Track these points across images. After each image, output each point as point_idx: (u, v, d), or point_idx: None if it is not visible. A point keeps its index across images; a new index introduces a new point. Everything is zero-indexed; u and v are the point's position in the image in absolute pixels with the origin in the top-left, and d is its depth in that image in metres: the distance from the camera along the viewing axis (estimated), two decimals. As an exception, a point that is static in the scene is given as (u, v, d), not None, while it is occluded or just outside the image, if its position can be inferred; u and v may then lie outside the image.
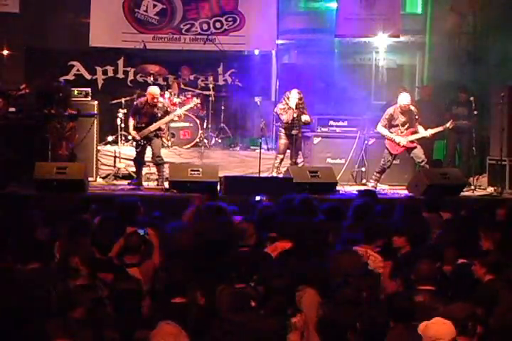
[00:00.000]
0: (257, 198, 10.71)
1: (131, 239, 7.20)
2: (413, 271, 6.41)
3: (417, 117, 13.30)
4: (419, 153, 13.32)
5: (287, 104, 13.28)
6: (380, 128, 13.37)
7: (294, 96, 13.25)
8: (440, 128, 13.51)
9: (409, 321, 5.58)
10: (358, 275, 6.50)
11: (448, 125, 13.42)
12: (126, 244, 7.18)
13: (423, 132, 13.28)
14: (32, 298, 5.66)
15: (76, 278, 5.93)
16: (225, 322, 5.36)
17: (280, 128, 13.57)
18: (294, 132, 13.32)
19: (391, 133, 13.25)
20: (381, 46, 17.54)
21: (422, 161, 13.31)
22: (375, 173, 13.57)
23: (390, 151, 13.39)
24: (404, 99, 13.21)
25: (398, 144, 13.23)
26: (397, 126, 13.24)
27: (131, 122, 13.02)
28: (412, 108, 13.32)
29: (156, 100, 12.95)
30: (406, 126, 13.24)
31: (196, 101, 14.30)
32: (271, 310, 5.78)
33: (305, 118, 13.45)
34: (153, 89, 13.07)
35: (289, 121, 13.26)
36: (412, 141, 13.25)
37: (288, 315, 5.77)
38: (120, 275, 6.41)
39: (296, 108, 13.19)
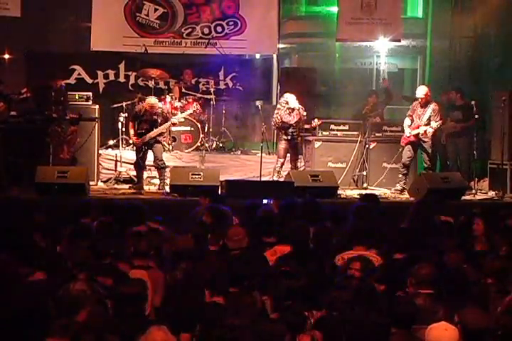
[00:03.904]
0: (264, 201, 10.76)
1: (140, 243, 7.20)
2: (412, 275, 6.42)
3: (433, 114, 13.26)
4: (425, 157, 13.42)
5: (289, 108, 13.29)
6: (406, 119, 13.57)
7: (292, 99, 13.30)
8: (427, 128, 13.50)
9: (411, 326, 5.59)
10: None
11: (436, 125, 13.39)
12: (135, 248, 7.19)
13: (421, 128, 13.30)
14: (32, 302, 5.67)
15: (75, 282, 5.92)
16: (228, 327, 5.35)
17: (280, 133, 13.59)
18: (294, 136, 13.37)
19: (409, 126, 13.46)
20: (382, 50, 17.58)
21: (427, 166, 13.43)
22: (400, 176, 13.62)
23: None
24: (419, 91, 13.48)
25: (406, 136, 13.43)
26: (416, 119, 13.38)
27: (131, 129, 13.02)
28: (431, 104, 13.33)
29: (154, 109, 12.94)
30: (421, 120, 13.29)
31: (196, 106, 14.33)
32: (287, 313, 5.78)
33: (314, 122, 13.57)
34: (152, 101, 13.07)
35: (295, 123, 13.28)
36: (415, 135, 13.31)
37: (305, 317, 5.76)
38: (121, 279, 6.41)
39: (300, 111, 13.25)
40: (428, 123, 13.21)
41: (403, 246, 7.61)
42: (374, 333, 5.44)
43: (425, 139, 13.33)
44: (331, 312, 5.82)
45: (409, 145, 13.45)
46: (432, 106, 13.33)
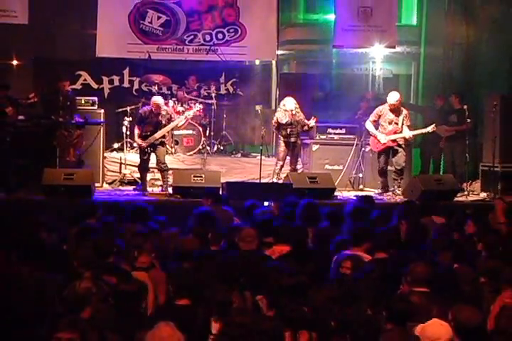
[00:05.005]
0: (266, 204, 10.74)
1: (144, 244, 7.16)
2: (408, 273, 6.40)
3: (406, 119, 13.22)
4: (400, 159, 13.28)
5: (285, 110, 13.29)
6: (367, 124, 13.38)
7: (289, 101, 13.29)
8: (420, 131, 13.48)
9: (406, 323, 5.57)
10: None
11: (429, 129, 13.37)
12: (139, 248, 7.16)
13: (404, 133, 13.22)
14: (39, 300, 5.66)
15: (81, 280, 5.91)
16: (230, 325, 5.32)
17: (280, 136, 13.58)
18: (292, 140, 13.33)
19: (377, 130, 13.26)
20: (378, 56, 17.56)
21: (400, 168, 13.30)
22: (380, 182, 13.52)
23: (371, 148, 13.47)
24: (392, 97, 13.18)
25: (379, 141, 13.23)
26: (384, 123, 13.20)
27: (137, 131, 13.03)
28: (404, 110, 13.29)
29: (160, 109, 12.95)
30: (392, 125, 13.20)
31: (199, 106, 14.32)
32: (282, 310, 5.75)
33: (311, 123, 13.42)
34: (157, 99, 13.07)
35: (289, 123, 13.23)
36: (393, 140, 13.18)
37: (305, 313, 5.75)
38: (123, 278, 6.40)
39: (293, 112, 13.21)
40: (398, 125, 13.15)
41: (386, 246, 7.58)
42: (361, 330, 5.45)
43: (401, 142, 13.26)
44: (314, 310, 5.81)
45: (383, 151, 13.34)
46: (404, 110, 13.29)
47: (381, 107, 13.35)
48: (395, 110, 13.16)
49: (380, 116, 13.24)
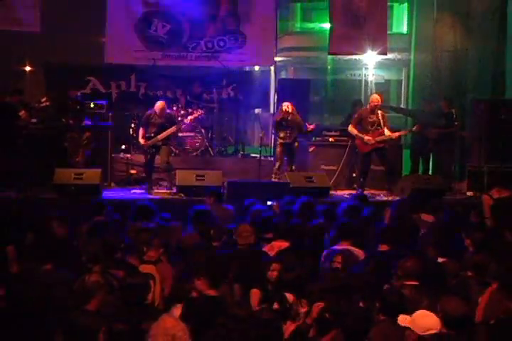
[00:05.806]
0: (269, 203, 10.74)
1: (153, 239, 7.16)
2: (399, 267, 6.40)
3: (384, 121, 13.19)
4: (386, 161, 13.27)
5: (281, 111, 13.32)
6: (350, 128, 13.29)
7: (286, 104, 13.32)
8: (404, 132, 13.48)
9: (398, 315, 5.56)
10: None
11: (414, 129, 13.35)
12: (148, 243, 7.15)
13: (390, 134, 13.18)
14: (49, 295, 5.65)
15: (90, 274, 5.91)
16: (229, 318, 5.31)
17: (278, 138, 13.60)
18: (288, 141, 13.33)
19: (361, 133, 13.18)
20: (370, 63, 17.58)
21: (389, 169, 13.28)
22: (359, 180, 13.50)
23: (359, 150, 13.38)
24: (373, 98, 13.16)
25: (366, 143, 13.17)
26: (367, 126, 13.14)
27: (141, 132, 12.99)
28: (381, 112, 13.21)
29: (163, 112, 12.93)
30: (375, 126, 13.14)
31: (200, 111, 14.31)
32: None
33: (310, 127, 13.43)
34: (161, 103, 13.06)
35: (285, 124, 13.21)
36: (380, 142, 13.18)
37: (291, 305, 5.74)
38: (130, 272, 6.40)
39: (287, 110, 13.21)
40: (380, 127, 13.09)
41: (385, 241, 7.58)
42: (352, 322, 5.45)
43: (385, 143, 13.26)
44: (312, 302, 5.80)
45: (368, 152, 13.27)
46: (381, 112, 13.24)
47: (361, 110, 13.36)
48: (375, 111, 13.09)
49: (361, 120, 13.20)
